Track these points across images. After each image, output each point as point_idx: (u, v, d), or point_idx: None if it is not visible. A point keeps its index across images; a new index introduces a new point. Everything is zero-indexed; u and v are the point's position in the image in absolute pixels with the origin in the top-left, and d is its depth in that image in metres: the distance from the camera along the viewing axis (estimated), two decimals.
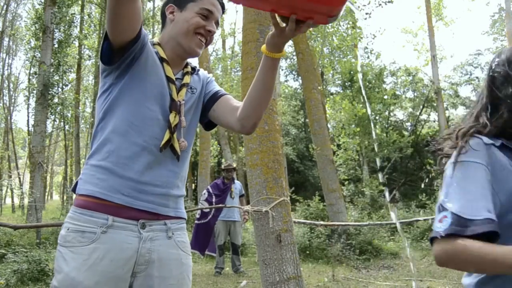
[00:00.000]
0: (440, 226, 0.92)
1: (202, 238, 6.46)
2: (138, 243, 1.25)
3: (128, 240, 1.23)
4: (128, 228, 1.24)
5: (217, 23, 1.41)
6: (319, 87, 8.83)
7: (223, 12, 1.45)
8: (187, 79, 1.41)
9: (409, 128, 20.99)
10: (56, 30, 10.66)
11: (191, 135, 1.42)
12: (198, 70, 1.52)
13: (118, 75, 1.30)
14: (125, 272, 1.23)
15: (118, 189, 1.24)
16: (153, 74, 1.32)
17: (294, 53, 16.42)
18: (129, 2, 1.13)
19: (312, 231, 7.84)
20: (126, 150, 1.26)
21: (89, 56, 17.52)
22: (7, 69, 23.74)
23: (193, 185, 23.40)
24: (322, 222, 7.43)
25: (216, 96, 1.47)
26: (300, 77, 17.96)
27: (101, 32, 16.90)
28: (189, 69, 1.46)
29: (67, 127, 22.80)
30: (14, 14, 22.18)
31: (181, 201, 1.40)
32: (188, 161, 1.42)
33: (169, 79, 1.35)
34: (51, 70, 10.09)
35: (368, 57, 18.70)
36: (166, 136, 1.29)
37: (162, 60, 1.37)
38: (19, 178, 26.27)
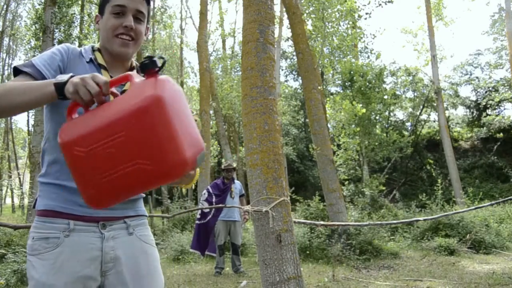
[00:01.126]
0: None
1: (203, 239, 6.47)
2: (101, 242, 1.30)
3: (91, 240, 1.29)
4: (89, 230, 1.30)
5: (140, 12, 1.38)
6: (319, 87, 8.83)
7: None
8: (128, 86, 1.37)
9: (409, 128, 21.00)
10: (56, 30, 10.65)
11: None
12: None
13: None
14: (93, 271, 1.28)
15: (74, 201, 1.29)
16: None
17: (294, 53, 16.42)
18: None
19: (312, 231, 7.84)
20: None
21: None
22: (7, 69, 23.75)
23: (193, 185, 23.42)
24: (322, 222, 7.42)
25: None
26: (300, 77, 17.95)
27: None
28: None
29: None
30: (14, 14, 22.20)
31: (139, 201, 1.46)
32: None
33: None
34: None
35: (368, 57, 18.74)
36: None
37: (100, 66, 1.39)
38: (19, 178, 26.27)
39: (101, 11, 1.41)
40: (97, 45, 1.45)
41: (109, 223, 1.34)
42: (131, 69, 1.46)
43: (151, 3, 1.44)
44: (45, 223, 1.28)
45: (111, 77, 1.36)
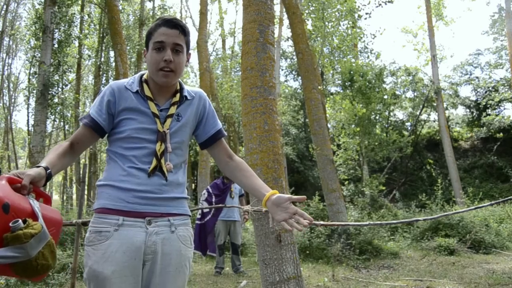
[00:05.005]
0: None
1: (203, 239, 6.47)
2: (145, 237, 1.50)
3: (137, 235, 1.49)
4: (136, 225, 1.51)
5: (178, 45, 1.58)
6: (319, 87, 8.83)
7: (184, 31, 1.60)
8: (172, 109, 1.62)
9: (409, 128, 20.98)
10: (56, 30, 10.63)
11: (178, 155, 1.65)
12: (192, 97, 1.70)
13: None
14: (137, 262, 1.49)
15: (123, 199, 1.52)
16: (138, 116, 1.60)
17: (294, 53, 16.41)
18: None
19: (312, 231, 7.84)
20: (124, 171, 1.56)
21: (89, 56, 17.52)
22: (7, 69, 23.72)
23: (193, 185, 23.41)
24: (322, 222, 7.40)
25: (215, 139, 1.75)
26: (300, 77, 17.95)
27: (101, 31, 16.91)
28: (177, 98, 1.65)
29: (67, 127, 22.77)
30: (14, 14, 22.19)
31: (183, 201, 1.65)
32: (182, 170, 1.67)
33: (154, 115, 1.59)
34: (51, 70, 10.08)
35: (368, 57, 18.73)
36: (154, 162, 1.56)
37: (147, 98, 1.60)
38: None
39: (147, 46, 1.62)
40: (146, 75, 1.66)
41: (154, 219, 1.53)
42: (175, 93, 1.66)
43: (189, 34, 1.65)
44: (99, 218, 1.52)
45: (156, 104, 1.60)
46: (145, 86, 1.62)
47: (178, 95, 1.65)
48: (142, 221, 1.51)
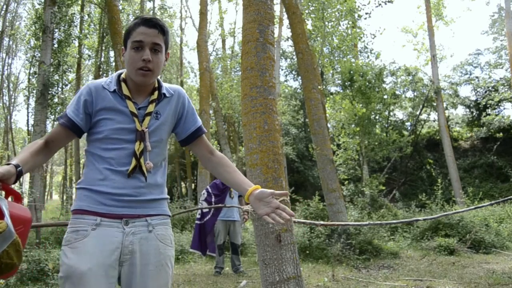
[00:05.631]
0: None
1: (203, 239, 6.47)
2: (123, 237, 1.51)
3: (114, 234, 1.51)
4: (114, 226, 1.52)
5: (156, 44, 1.57)
6: (319, 87, 8.83)
7: (163, 30, 1.59)
8: (151, 107, 1.61)
9: (409, 127, 20.99)
10: (56, 30, 10.61)
11: (158, 153, 1.65)
12: (171, 95, 1.69)
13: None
14: (113, 261, 1.49)
15: (100, 201, 1.53)
16: (116, 115, 1.59)
17: (294, 53, 16.41)
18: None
19: (312, 231, 7.85)
20: (101, 174, 1.57)
21: (89, 55, 17.52)
22: (7, 69, 23.75)
23: (193, 184, 23.42)
24: (322, 222, 7.39)
25: (195, 136, 1.76)
26: (300, 77, 17.94)
27: (101, 31, 16.91)
28: (155, 96, 1.64)
29: None
30: (14, 14, 22.20)
31: (162, 202, 1.66)
32: (162, 170, 1.68)
33: (132, 113, 1.58)
34: (51, 69, 10.07)
35: (368, 57, 18.73)
36: (133, 162, 1.56)
37: (125, 97, 1.60)
38: None
39: (125, 45, 1.61)
40: (123, 74, 1.65)
41: (131, 220, 1.55)
42: (154, 90, 1.65)
43: (167, 33, 1.63)
44: (77, 219, 1.54)
45: (134, 103, 1.59)
46: (123, 85, 1.62)
47: (156, 92, 1.65)
48: (119, 222, 1.52)
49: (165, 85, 1.69)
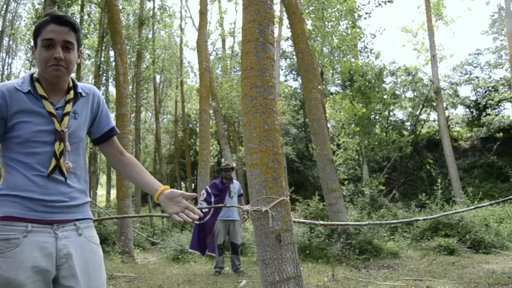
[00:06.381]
0: None
1: (202, 238, 6.47)
2: (55, 241, 1.52)
3: (47, 240, 1.50)
4: (45, 231, 1.51)
5: (68, 42, 1.55)
6: (319, 87, 8.83)
7: (74, 28, 1.57)
8: (68, 107, 1.60)
9: (409, 127, 21.00)
10: None
11: (77, 154, 1.65)
12: (87, 94, 1.70)
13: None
14: (49, 266, 1.49)
15: (30, 207, 1.51)
16: (33, 118, 1.54)
17: (294, 53, 16.42)
18: None
19: (312, 230, 7.85)
20: (29, 180, 1.53)
21: (89, 55, 17.52)
22: (7, 69, 23.75)
23: (193, 184, 23.42)
24: (321, 222, 7.42)
25: (108, 136, 1.79)
26: (300, 77, 17.95)
27: (101, 31, 16.91)
28: (71, 95, 1.63)
29: None
30: (14, 13, 22.19)
31: (87, 206, 1.69)
32: (84, 172, 1.69)
33: (50, 114, 1.55)
34: None
35: (368, 57, 18.75)
36: (53, 163, 1.55)
37: (41, 97, 1.56)
38: None
39: (35, 43, 1.58)
40: (36, 74, 1.61)
41: (61, 225, 1.55)
42: (69, 89, 1.64)
43: (79, 31, 1.64)
44: (6, 226, 1.48)
45: (51, 103, 1.56)
46: (37, 85, 1.58)
47: (72, 92, 1.63)
48: (50, 227, 1.52)
49: (79, 84, 1.68)
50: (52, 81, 1.57)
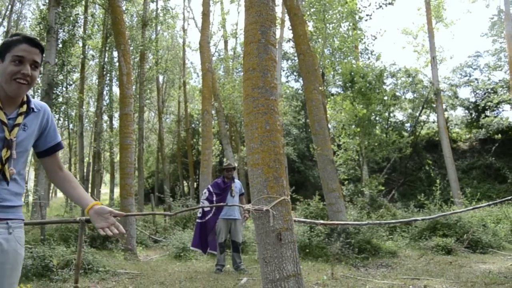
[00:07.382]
0: None
1: (204, 237, 6.55)
2: None
3: None
4: None
5: (35, 62, 1.72)
6: (320, 88, 8.91)
7: (42, 50, 1.76)
8: (19, 119, 1.73)
9: (409, 129, 21.05)
10: (60, 30, 10.69)
11: (21, 162, 1.77)
12: (39, 110, 1.83)
13: None
14: None
15: None
16: None
17: (295, 54, 16.50)
18: None
19: (312, 230, 7.91)
20: None
21: (93, 56, 17.62)
22: None
23: (195, 183, 23.49)
24: (322, 221, 7.51)
25: (53, 150, 1.93)
26: (301, 78, 18.03)
27: (105, 32, 17.00)
28: (24, 109, 1.76)
29: (71, 126, 22.91)
30: (19, 14, 22.30)
31: (20, 208, 1.80)
32: (23, 178, 1.81)
33: (2, 123, 1.67)
34: (56, 69, 10.17)
35: (368, 58, 18.82)
36: None
37: None
38: None
39: (1, 57, 1.71)
40: None
41: None
42: (23, 103, 1.77)
43: (43, 52, 1.83)
44: None
45: (5, 114, 1.69)
46: None
47: (25, 106, 1.77)
48: None
49: (33, 100, 1.82)
50: (13, 94, 1.70)
